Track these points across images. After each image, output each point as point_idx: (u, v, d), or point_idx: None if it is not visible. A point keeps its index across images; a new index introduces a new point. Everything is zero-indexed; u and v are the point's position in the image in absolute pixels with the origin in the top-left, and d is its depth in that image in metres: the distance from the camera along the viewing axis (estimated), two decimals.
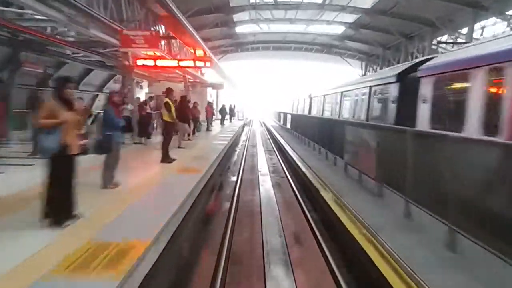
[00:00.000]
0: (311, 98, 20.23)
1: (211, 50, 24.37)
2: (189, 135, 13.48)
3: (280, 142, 17.01)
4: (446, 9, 17.22)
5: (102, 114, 6.08)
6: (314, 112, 18.89)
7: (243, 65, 42.62)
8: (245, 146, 17.55)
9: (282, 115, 27.31)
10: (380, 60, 28.12)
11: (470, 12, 16.36)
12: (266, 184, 9.52)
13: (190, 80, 27.57)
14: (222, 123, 25.39)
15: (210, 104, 23.64)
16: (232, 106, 30.63)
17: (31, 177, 5.34)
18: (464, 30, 18.98)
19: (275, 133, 22.57)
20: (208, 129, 18.94)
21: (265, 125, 39.43)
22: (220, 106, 28.28)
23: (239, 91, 67.73)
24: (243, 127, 31.59)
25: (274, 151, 16.20)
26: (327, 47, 31.27)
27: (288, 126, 22.17)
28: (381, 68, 27.67)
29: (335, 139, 9.18)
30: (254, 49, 33.03)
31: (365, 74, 31.45)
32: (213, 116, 23.48)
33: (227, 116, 29.08)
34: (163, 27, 17.86)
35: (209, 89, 30.12)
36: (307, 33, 27.60)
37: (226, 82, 33.30)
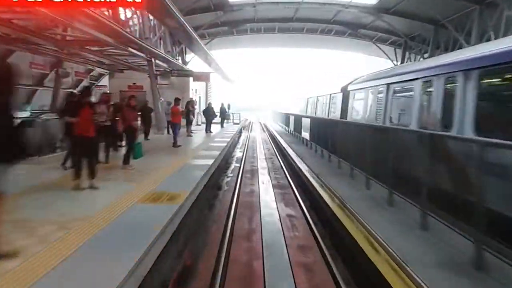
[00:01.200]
0: (346, 92, 12.32)
1: (195, 32, 16.59)
2: (77, 175, 5.50)
3: (304, 175, 9.10)
4: None
5: None
6: (356, 117, 10.98)
7: (240, 54, 34.87)
8: (237, 182, 9.57)
9: (292, 118, 19.41)
10: (430, 41, 20.19)
11: None
12: None
13: (166, 69, 19.70)
14: (207, 131, 17.51)
15: (191, 103, 15.72)
16: (224, 106, 22.62)
17: None
18: None
19: (284, 147, 14.73)
20: (175, 145, 11.04)
21: (267, 129, 31.64)
22: (213, 107, 20.33)
23: (235, 86, 59.76)
24: (239, 133, 23.71)
25: (299, 204, 8.13)
26: (352, 27, 23.35)
27: (304, 135, 14.36)
28: (430, 54, 19.78)
29: None
30: (254, 30, 25.12)
31: (402, 63, 23.56)
32: (192, 121, 15.61)
33: (217, 119, 21.18)
34: None
35: (193, 83, 22.22)
36: (328, 3, 19.70)
37: (216, 73, 25.41)
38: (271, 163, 13.25)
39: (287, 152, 13.85)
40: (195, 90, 23.07)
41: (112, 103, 9.20)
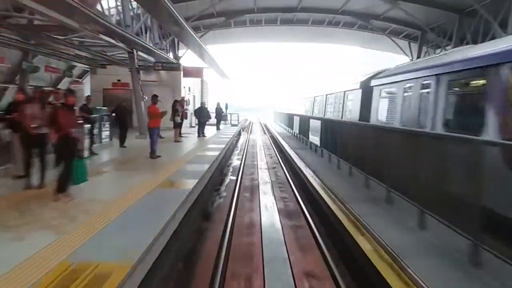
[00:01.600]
0: (367, 89, 9.90)
1: (187, 22, 14.33)
2: None
3: (320, 197, 6.70)
4: None
5: None
6: (384, 119, 8.57)
7: (237, 50, 32.59)
8: (230, 208, 7.20)
9: (297, 120, 17.04)
10: (453, 32, 17.80)
11: None
12: None
13: (150, 64, 17.28)
14: (200, 134, 15.13)
15: (180, 102, 13.35)
16: (221, 106, 20.18)
17: None
18: None
19: (290, 153, 12.39)
20: (152, 156, 8.66)
21: (268, 130, 29.33)
22: (207, 107, 17.96)
23: (234, 86, 57.46)
24: (237, 136, 21.36)
25: (321, 250, 5.51)
26: (364, 18, 20.95)
27: (313, 139, 12.10)
28: (456, 44, 17.36)
29: None
30: (253, 22, 22.69)
31: (418, 58, 21.15)
32: (181, 124, 13.21)
33: (212, 120, 18.81)
34: None
35: (186, 80, 19.85)
36: None
37: (211, 68, 23.05)
38: (275, 175, 10.87)
39: (293, 160, 11.51)
40: (189, 88, 20.69)
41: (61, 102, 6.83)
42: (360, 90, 10.47)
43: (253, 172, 11.27)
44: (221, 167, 10.36)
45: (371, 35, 23.41)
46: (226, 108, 26.71)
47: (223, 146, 11.92)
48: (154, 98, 8.98)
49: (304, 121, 14.86)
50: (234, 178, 10.19)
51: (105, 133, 10.88)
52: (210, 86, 29.60)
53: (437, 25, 19.32)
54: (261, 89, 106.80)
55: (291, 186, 9.02)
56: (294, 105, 27.80)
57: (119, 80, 19.00)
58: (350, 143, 7.56)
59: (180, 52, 21.84)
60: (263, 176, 10.52)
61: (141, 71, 15.17)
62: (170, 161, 8.41)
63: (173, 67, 15.74)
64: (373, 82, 9.50)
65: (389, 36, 21.97)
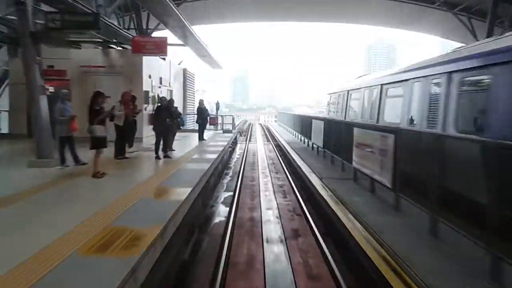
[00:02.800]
0: None
1: None
2: None
3: None
4: None
5: None
6: None
7: (234, 32, 26.36)
8: None
9: (318, 126, 10.69)
10: None
11: None
12: None
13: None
14: (159, 154, 8.78)
15: (123, 97, 7.23)
16: (204, 106, 13.63)
17: None
18: None
19: (323, 195, 6.07)
20: None
21: (271, 136, 23.20)
22: (176, 105, 11.55)
23: (234, 85, 52.26)
24: (230, 148, 15.07)
25: None
26: None
27: (359, 163, 5.87)
28: None
29: None
30: None
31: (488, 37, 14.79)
32: (104, 137, 6.76)
33: (188, 125, 12.45)
34: None
35: (151, 67, 13.47)
36: None
37: (190, 48, 16.65)
38: (304, 269, 4.52)
39: (333, 211, 5.33)
40: (160, 79, 14.25)
41: None
42: None
43: (252, 254, 4.92)
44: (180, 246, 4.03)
45: (415, 9, 17.16)
46: (217, 109, 20.41)
47: (188, 189, 5.55)
48: None
49: (337, 131, 8.61)
50: None
51: None
52: (198, 80, 23.21)
53: None
54: (261, 87, 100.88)
55: None
56: (308, 104, 21.36)
57: (51, 67, 12.59)
58: None
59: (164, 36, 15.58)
60: (279, 281, 4.18)
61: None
62: None
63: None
64: None
65: (456, 13, 15.60)
